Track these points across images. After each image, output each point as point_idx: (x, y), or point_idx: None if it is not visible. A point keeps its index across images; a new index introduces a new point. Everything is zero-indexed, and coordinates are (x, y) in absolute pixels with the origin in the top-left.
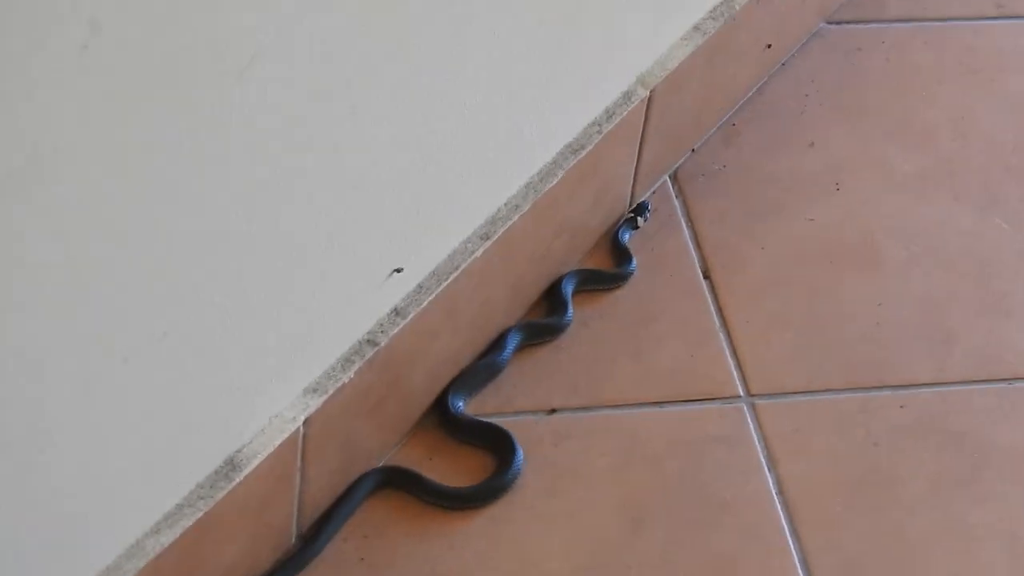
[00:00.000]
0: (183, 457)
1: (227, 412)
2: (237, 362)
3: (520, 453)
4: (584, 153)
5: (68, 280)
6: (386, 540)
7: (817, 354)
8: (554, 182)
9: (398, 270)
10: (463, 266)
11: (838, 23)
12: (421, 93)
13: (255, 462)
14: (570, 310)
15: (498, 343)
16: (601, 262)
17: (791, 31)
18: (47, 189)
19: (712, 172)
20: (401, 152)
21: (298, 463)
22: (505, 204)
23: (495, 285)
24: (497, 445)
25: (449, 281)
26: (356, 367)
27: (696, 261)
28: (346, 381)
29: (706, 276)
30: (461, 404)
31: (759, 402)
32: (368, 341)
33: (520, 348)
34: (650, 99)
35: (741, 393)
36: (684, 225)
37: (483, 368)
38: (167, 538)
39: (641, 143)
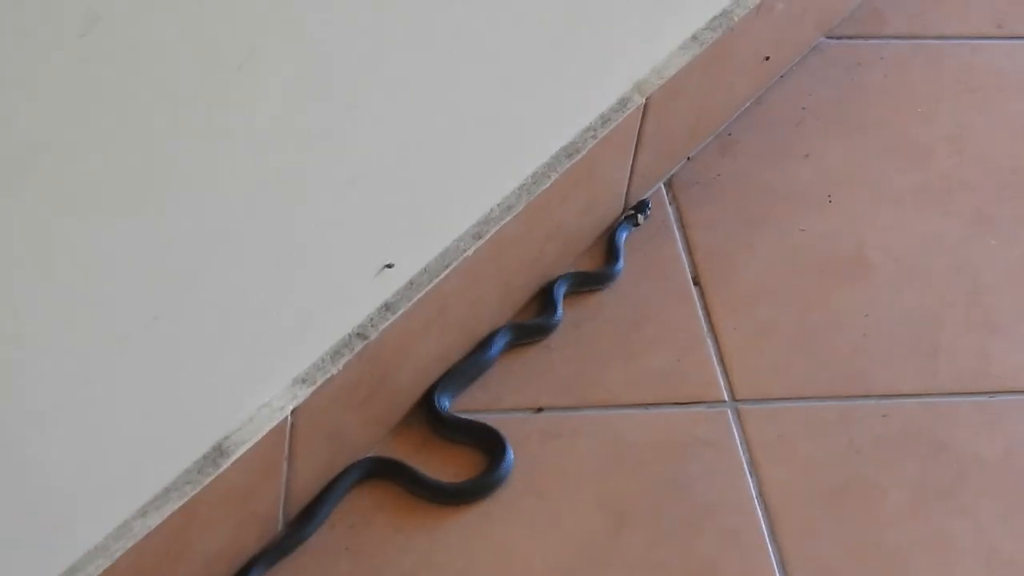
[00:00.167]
0: (172, 442)
1: (216, 399)
2: (227, 350)
3: (511, 453)
4: (579, 157)
5: (65, 264)
6: (372, 530)
7: (803, 362)
8: (547, 184)
9: (389, 265)
10: (454, 264)
11: (838, 38)
12: (419, 92)
13: (242, 449)
14: (559, 310)
15: (486, 342)
16: (595, 264)
17: (790, 44)
18: (44, 177)
19: (707, 180)
20: (396, 149)
21: (285, 452)
22: (498, 204)
23: (486, 284)
24: (484, 443)
25: (440, 278)
26: (345, 360)
27: (687, 267)
28: (335, 373)
29: (696, 282)
30: (447, 402)
31: (744, 407)
32: (358, 335)
33: (508, 348)
34: (646, 106)
35: (726, 398)
36: (677, 232)
37: (470, 366)
38: (154, 520)
39: (636, 149)
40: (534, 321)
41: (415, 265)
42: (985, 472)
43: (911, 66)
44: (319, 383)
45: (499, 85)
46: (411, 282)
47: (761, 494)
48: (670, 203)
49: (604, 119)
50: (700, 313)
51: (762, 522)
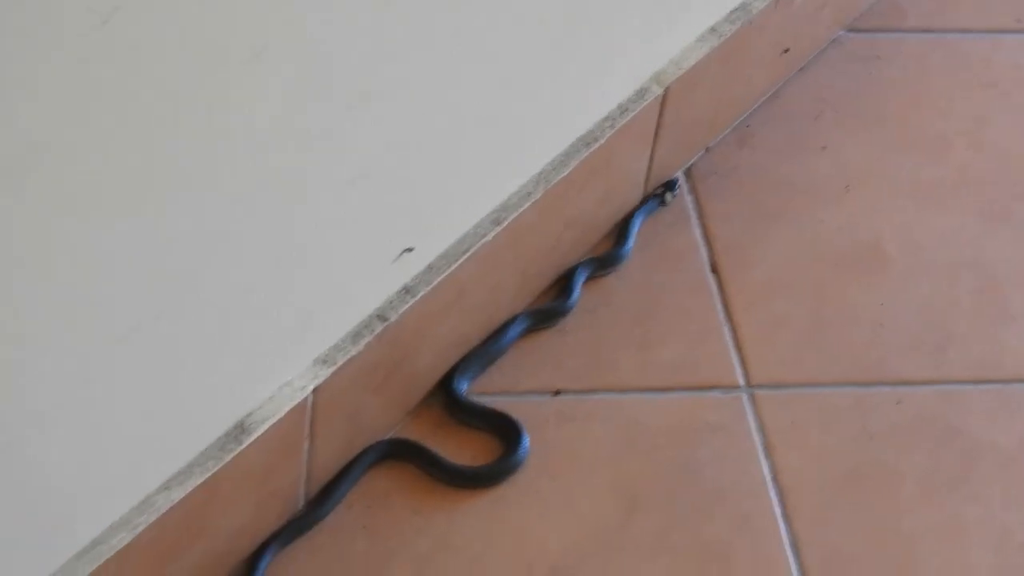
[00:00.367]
0: (195, 418)
1: (239, 377)
2: (250, 330)
3: (527, 439)
4: (596, 146)
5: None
6: (389, 511)
7: (818, 350)
8: (566, 172)
9: (409, 249)
10: (473, 249)
11: (857, 31)
12: (441, 74)
13: (264, 427)
14: (575, 295)
15: (503, 327)
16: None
17: (809, 37)
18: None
19: (725, 172)
20: (416, 134)
21: (306, 431)
22: (516, 191)
23: (504, 271)
24: (500, 429)
25: (459, 263)
26: (365, 341)
27: (705, 256)
28: (355, 354)
29: (714, 271)
30: (465, 386)
31: (758, 393)
32: (378, 316)
33: (524, 334)
34: (664, 97)
35: (741, 383)
36: (695, 222)
37: (487, 351)
38: (176, 495)
39: (654, 140)
40: (549, 305)
41: (434, 249)
42: (999, 459)
43: (930, 60)
44: (340, 363)
45: (518, 69)
46: (430, 266)
47: (775, 479)
48: (689, 193)
49: (622, 109)
50: (718, 301)
51: (775, 507)
